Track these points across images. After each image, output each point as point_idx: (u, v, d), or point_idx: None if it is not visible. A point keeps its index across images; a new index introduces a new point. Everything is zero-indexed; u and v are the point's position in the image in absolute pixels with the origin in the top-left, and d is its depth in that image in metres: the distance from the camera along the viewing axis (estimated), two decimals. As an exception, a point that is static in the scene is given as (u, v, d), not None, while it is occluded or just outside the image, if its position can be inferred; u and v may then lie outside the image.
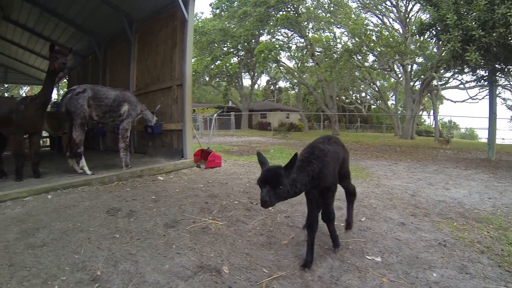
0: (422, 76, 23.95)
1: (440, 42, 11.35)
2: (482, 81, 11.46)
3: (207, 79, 34.06)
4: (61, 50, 5.27)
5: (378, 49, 22.68)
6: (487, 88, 13.56)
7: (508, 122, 25.69)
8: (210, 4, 34.64)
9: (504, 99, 25.75)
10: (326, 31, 29.46)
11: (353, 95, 45.34)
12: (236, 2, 32.35)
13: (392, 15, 27.68)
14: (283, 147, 14.32)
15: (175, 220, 3.65)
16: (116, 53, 10.93)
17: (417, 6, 24.19)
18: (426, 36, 11.88)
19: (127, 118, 6.47)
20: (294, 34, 31.23)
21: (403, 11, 26.37)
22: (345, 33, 26.89)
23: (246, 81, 46.69)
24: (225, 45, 32.40)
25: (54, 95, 10.22)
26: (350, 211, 3.35)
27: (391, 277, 2.44)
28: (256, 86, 49.20)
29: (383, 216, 3.89)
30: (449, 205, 4.50)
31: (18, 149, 5.44)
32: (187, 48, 7.51)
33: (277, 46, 28.68)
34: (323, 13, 27.99)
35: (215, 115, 10.52)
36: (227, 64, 30.18)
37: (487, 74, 10.69)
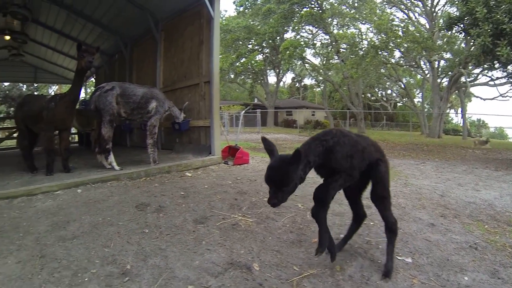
0: (450, 73, 23.24)
1: (469, 36, 10.92)
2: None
3: (232, 77, 34.24)
4: (88, 49, 5.40)
5: (405, 45, 22.06)
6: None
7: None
8: (234, 2, 34.88)
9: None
10: (351, 27, 29.03)
11: (379, 93, 44.47)
12: (259, 0, 32.31)
13: (417, 9, 26.82)
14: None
15: (204, 216, 3.63)
16: (142, 52, 11.13)
17: (444, 0, 23.47)
18: (454, 31, 11.44)
19: (155, 115, 6.54)
20: (319, 31, 30.94)
21: (429, 5, 25.44)
22: (371, 29, 26.37)
23: (272, 79, 46.74)
24: (250, 43, 32.43)
25: (82, 94, 10.55)
26: (390, 253, 2.50)
27: (422, 279, 2.38)
28: (281, 84, 49.06)
29: (412, 216, 3.79)
30: (479, 207, 4.34)
31: (48, 145, 5.63)
32: (214, 45, 7.53)
33: (302, 43, 28.44)
34: (348, 9, 27.54)
35: (243, 112, 10.48)
36: (252, 62, 30.22)
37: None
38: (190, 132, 8.44)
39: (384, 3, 27.22)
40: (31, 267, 2.43)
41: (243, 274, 2.37)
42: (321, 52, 32.42)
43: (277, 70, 37.83)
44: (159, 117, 6.68)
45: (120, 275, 2.32)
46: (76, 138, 14.08)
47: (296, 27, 30.00)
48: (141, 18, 9.63)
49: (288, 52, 25.89)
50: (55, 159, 5.69)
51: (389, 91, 44.51)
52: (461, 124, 32.60)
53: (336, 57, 29.85)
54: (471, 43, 13.87)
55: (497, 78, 21.85)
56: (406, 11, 26.72)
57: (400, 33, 21.82)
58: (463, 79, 22.40)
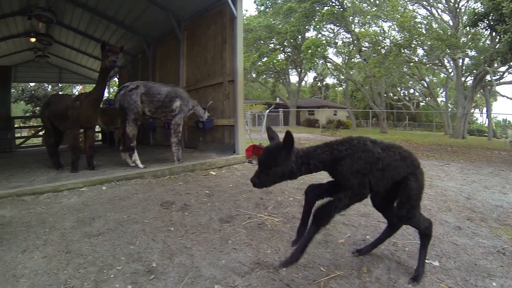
0: (475, 71, 22.65)
1: (495, 33, 10.52)
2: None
3: (254, 76, 34.34)
4: (111, 48, 5.48)
5: (428, 43, 21.58)
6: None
7: None
8: (255, 1, 35.12)
9: None
10: (373, 25, 28.73)
11: (401, 92, 43.71)
12: (280, -1, 32.39)
13: (440, 5, 26.10)
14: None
15: (230, 215, 3.61)
16: (165, 51, 11.29)
17: (468, -5, 22.83)
18: (479, 28, 11.03)
19: (179, 114, 6.57)
20: (340, 30, 30.66)
21: (453, 1, 24.73)
22: (393, 26, 25.97)
23: (293, 78, 46.64)
24: (271, 42, 32.53)
25: (106, 93, 10.81)
26: (421, 257, 2.41)
27: (450, 283, 2.33)
28: (303, 83, 48.83)
29: (438, 219, 3.69)
30: (507, 211, 4.18)
31: (74, 142, 5.76)
32: (237, 44, 7.54)
33: (323, 42, 28.21)
34: (369, 7, 27.14)
35: (267, 111, 10.45)
36: (274, 61, 30.22)
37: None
38: (213, 131, 8.47)
39: (406, 0, 26.71)
40: (57, 262, 2.46)
41: (270, 274, 2.34)
42: (342, 50, 32.15)
43: (299, 69, 37.71)
44: (183, 115, 6.71)
45: (145, 273, 2.33)
46: (100, 136, 14.38)
47: (317, 26, 29.86)
48: (164, 18, 9.76)
49: (310, 51, 25.80)
50: (80, 157, 5.82)
51: (411, 90, 43.69)
52: (486, 125, 31.63)
53: (358, 56, 29.51)
54: (497, 40, 13.39)
55: (525, 76, 21.23)
56: (428, 7, 26.13)
57: (423, 30, 21.31)
58: (488, 77, 21.83)
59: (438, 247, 2.88)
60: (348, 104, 38.44)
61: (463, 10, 24.43)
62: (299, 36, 32.00)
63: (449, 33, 20.70)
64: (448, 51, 22.25)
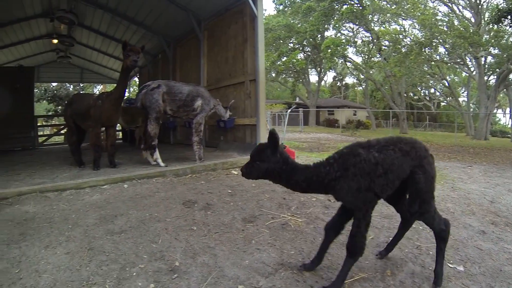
0: (498, 70, 22.12)
1: None
2: None
3: (273, 75, 34.33)
4: (133, 48, 5.53)
5: (450, 41, 21.01)
6: None
7: None
8: (273, 1, 35.08)
9: None
10: (393, 24, 28.29)
11: (422, 92, 42.92)
12: (299, -2, 32.26)
13: (462, 2, 25.40)
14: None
15: (253, 215, 3.58)
16: (186, 51, 11.39)
17: (491, -9, 22.18)
18: (503, 24, 10.63)
19: (200, 113, 6.58)
20: (360, 28, 30.30)
21: None
22: (413, 24, 25.54)
23: (313, 77, 46.39)
24: (291, 41, 32.44)
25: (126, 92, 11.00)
26: (439, 259, 2.29)
27: None
28: (322, 83, 48.54)
29: (462, 222, 3.61)
30: None
31: (96, 141, 5.86)
32: (258, 43, 7.52)
33: (343, 41, 27.95)
34: (388, 5, 26.69)
35: (289, 110, 10.38)
36: (294, 60, 30.11)
37: None
38: (235, 130, 8.47)
39: (427, -4, 26.21)
40: (79, 259, 2.48)
41: (294, 276, 2.32)
42: (362, 50, 31.81)
43: (319, 68, 37.49)
44: (205, 115, 6.72)
45: (168, 272, 2.33)
46: (120, 134, 14.62)
47: (336, 25, 29.64)
48: (184, 18, 9.85)
49: (329, 50, 25.62)
50: (101, 155, 5.92)
51: (432, 90, 42.88)
52: (509, 125, 30.56)
53: (378, 55, 29.13)
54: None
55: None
56: (449, 4, 25.51)
57: (444, 28, 20.82)
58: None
59: (463, 252, 2.83)
60: (368, 104, 38.04)
61: (485, 6, 23.85)
62: (319, 35, 31.85)
63: (471, 30, 20.14)
64: (471, 49, 21.71)
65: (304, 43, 32.73)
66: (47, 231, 3.01)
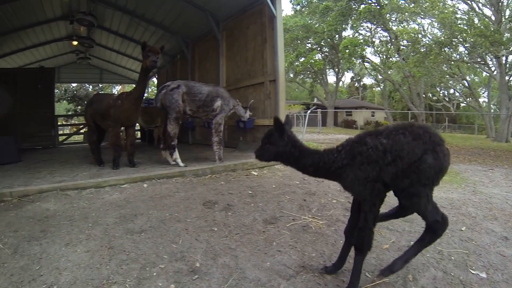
0: None
1: None
2: None
3: (291, 76, 34.23)
4: (152, 49, 5.57)
5: (471, 40, 20.44)
6: None
7: None
8: (290, 1, 34.83)
9: None
10: (411, 23, 27.71)
11: (441, 92, 41.93)
12: (316, -2, 32.05)
13: None
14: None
15: (274, 216, 3.54)
16: (204, 51, 11.44)
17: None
18: None
19: (220, 113, 6.58)
20: (378, 28, 29.89)
21: None
22: (433, 23, 24.98)
23: (331, 78, 46.15)
24: (308, 42, 32.26)
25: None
26: (410, 251, 2.23)
27: None
28: (340, 83, 48.16)
29: (484, 227, 3.47)
30: None
31: (115, 140, 5.93)
32: (278, 44, 7.50)
33: (361, 41, 27.64)
34: (406, 4, 26.22)
35: (309, 111, 10.31)
36: (312, 61, 29.91)
37: None
38: (254, 131, 8.45)
39: (446, -6, 25.60)
40: (99, 257, 2.48)
41: (315, 279, 2.30)
42: (381, 50, 31.40)
43: (336, 69, 37.20)
44: (224, 115, 6.71)
45: (189, 273, 2.31)
46: (139, 134, 14.81)
47: (354, 25, 29.29)
48: (202, 18, 9.90)
49: (347, 50, 25.37)
50: (121, 154, 5.99)
51: (451, 91, 41.84)
52: None
53: (396, 55, 28.71)
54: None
55: None
56: (469, 1, 24.87)
57: (464, 27, 20.33)
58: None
59: (485, 258, 2.74)
60: (386, 105, 37.48)
61: (505, 3, 23.07)
62: (336, 36, 31.53)
63: (492, 29, 19.60)
64: (491, 48, 21.13)
65: (322, 43, 32.46)
66: (68, 229, 3.03)
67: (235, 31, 9.39)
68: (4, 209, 3.71)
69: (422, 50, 22.23)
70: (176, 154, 6.13)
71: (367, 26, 31.14)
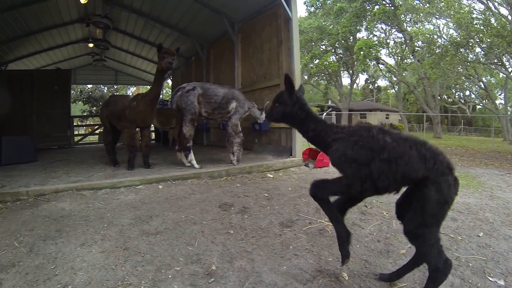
0: None
1: None
2: None
3: (306, 78, 34.07)
4: (167, 50, 5.60)
5: (488, 40, 19.98)
6: None
7: None
8: (304, 2, 34.75)
9: None
10: (426, 23, 27.31)
11: (456, 94, 41.16)
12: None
13: None
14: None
15: (290, 219, 3.49)
16: (219, 53, 11.48)
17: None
18: None
19: (234, 114, 6.58)
20: (392, 29, 29.55)
21: None
22: (448, 24, 24.52)
23: (345, 80, 45.89)
24: (323, 43, 32.07)
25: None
26: None
27: None
28: (354, 85, 47.86)
29: (502, 233, 3.35)
30: None
31: (131, 141, 5.97)
32: (293, 46, 7.49)
33: (376, 42, 27.36)
34: (421, 4, 25.84)
35: (325, 113, 10.22)
36: (326, 63, 29.75)
37: None
38: (269, 133, 8.43)
39: (461, -6, 25.12)
40: (114, 258, 2.47)
41: (332, 284, 2.26)
42: (395, 51, 31.07)
43: (351, 71, 36.96)
44: (239, 116, 6.70)
45: (205, 275, 2.28)
46: (154, 135, 14.93)
47: (369, 26, 29.02)
48: (217, 21, 9.93)
49: (362, 52, 25.17)
50: (136, 155, 6.03)
51: (467, 92, 41.08)
52: None
53: (411, 57, 28.35)
54: None
55: None
56: (485, 1, 24.37)
57: (480, 27, 19.90)
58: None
59: (503, 265, 2.64)
60: (401, 107, 37.03)
61: None
62: (351, 37, 31.28)
63: (509, 28, 19.15)
64: (509, 49, 20.65)
65: (336, 45, 32.22)
66: (83, 229, 3.04)
67: (251, 33, 9.38)
68: (21, 207, 3.76)
69: (438, 51, 21.88)
70: (191, 156, 6.14)
71: (382, 28, 30.81)
